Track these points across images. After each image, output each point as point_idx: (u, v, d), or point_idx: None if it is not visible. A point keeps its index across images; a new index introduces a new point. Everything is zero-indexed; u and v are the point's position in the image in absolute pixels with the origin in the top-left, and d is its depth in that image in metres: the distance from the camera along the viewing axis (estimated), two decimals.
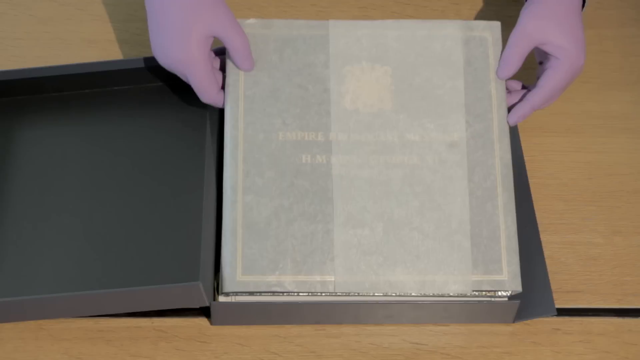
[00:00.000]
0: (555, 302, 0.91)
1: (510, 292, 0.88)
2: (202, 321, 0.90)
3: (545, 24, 0.92)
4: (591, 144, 1.04)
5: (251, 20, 0.95)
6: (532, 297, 0.89)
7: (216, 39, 0.91)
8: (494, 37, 0.96)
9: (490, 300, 0.88)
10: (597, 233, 0.97)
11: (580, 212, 0.98)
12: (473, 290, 0.87)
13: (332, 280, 0.87)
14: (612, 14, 1.16)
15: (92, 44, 1.12)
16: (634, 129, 1.05)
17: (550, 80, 0.92)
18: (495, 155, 0.92)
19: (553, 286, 0.92)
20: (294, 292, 0.87)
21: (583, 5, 0.97)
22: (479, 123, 0.92)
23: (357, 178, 0.90)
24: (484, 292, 0.88)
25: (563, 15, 0.92)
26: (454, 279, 0.87)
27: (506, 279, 0.88)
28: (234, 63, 0.92)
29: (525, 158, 1.02)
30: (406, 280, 0.87)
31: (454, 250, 0.88)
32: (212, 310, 0.87)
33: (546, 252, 0.95)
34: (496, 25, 0.96)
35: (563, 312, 0.91)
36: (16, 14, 1.15)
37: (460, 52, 0.94)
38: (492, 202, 0.90)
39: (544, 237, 0.96)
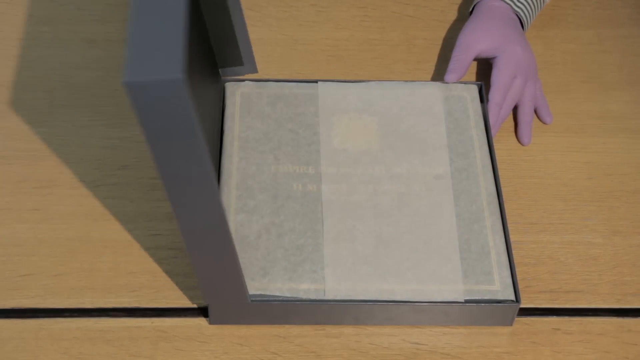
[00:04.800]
0: (555, 302, 0.91)
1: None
2: (201, 321, 0.90)
3: (478, 36, 1.04)
4: (591, 144, 1.04)
5: (246, 82, 1.01)
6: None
7: None
8: (472, 95, 1.02)
9: (489, 304, 0.88)
10: (597, 233, 0.97)
11: (580, 212, 0.98)
12: (466, 299, 0.87)
13: (322, 288, 0.87)
14: (612, 14, 1.16)
15: (92, 44, 1.12)
16: (634, 129, 1.05)
17: (495, 76, 1.02)
18: (480, 186, 0.95)
19: (553, 286, 0.92)
20: (284, 298, 0.87)
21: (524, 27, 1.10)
22: (462, 160, 0.97)
23: (346, 202, 0.93)
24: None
25: (495, 26, 1.04)
26: (446, 288, 0.88)
27: (499, 289, 0.88)
28: None
29: (526, 158, 1.02)
30: (397, 289, 0.87)
31: (443, 263, 0.89)
32: (210, 309, 0.87)
33: (546, 252, 0.95)
34: (473, 87, 1.02)
35: (563, 312, 0.91)
36: (16, 14, 1.15)
37: (440, 105, 1.01)
38: (480, 223, 0.92)
39: (544, 237, 0.96)
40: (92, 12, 1.15)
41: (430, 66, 1.11)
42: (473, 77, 1.09)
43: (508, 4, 1.07)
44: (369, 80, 1.02)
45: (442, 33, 1.14)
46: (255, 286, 0.87)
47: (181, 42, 0.69)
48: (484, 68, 1.09)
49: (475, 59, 1.06)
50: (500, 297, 0.88)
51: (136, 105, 0.68)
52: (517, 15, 1.07)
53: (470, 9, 1.10)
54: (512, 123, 1.05)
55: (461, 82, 1.03)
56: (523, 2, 1.07)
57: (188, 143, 0.71)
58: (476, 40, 1.04)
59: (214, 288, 0.85)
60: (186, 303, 0.91)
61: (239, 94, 1.00)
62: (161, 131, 0.70)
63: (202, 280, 0.84)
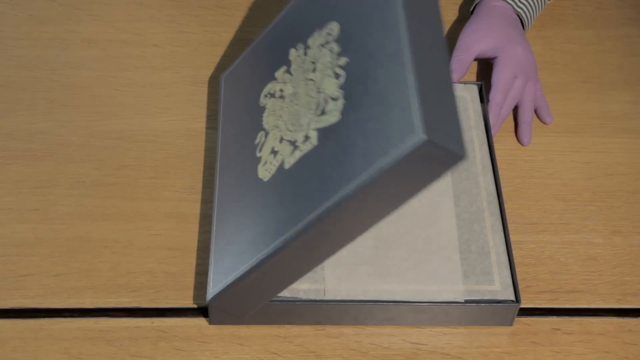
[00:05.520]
0: (555, 302, 0.91)
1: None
2: (201, 321, 0.90)
3: (479, 36, 1.05)
4: (591, 144, 1.04)
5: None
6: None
7: None
8: (472, 95, 1.02)
9: (489, 304, 0.88)
10: (597, 233, 0.97)
11: (580, 212, 0.98)
12: (466, 300, 0.87)
13: (322, 288, 0.87)
14: (612, 14, 1.16)
15: (92, 44, 1.12)
16: (634, 129, 1.05)
17: (495, 76, 1.02)
18: (480, 186, 0.95)
19: (553, 286, 0.92)
20: (284, 298, 0.87)
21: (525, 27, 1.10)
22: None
23: None
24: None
25: (495, 26, 1.04)
26: (445, 288, 0.88)
27: (498, 289, 0.88)
28: None
29: (526, 158, 1.02)
30: (397, 290, 0.87)
31: (443, 263, 0.89)
32: (210, 309, 0.87)
33: (546, 252, 0.95)
34: (474, 87, 1.02)
35: (563, 312, 0.91)
36: (16, 14, 1.15)
37: None
38: (480, 223, 0.92)
39: (544, 237, 0.96)
40: (92, 12, 1.15)
41: None
42: (473, 77, 1.09)
43: (509, 4, 1.07)
44: None
45: None
46: None
47: (458, 116, 0.75)
48: (484, 68, 1.09)
49: (475, 59, 1.06)
50: (500, 297, 0.88)
51: (409, 155, 0.72)
52: (518, 16, 1.07)
53: (472, 9, 1.10)
54: (512, 123, 1.05)
55: (461, 82, 1.03)
56: (524, 3, 1.07)
57: (401, 197, 0.77)
58: (477, 41, 1.04)
59: (240, 299, 0.86)
60: (186, 303, 0.91)
61: None
62: (398, 178, 0.75)
63: (239, 290, 0.84)
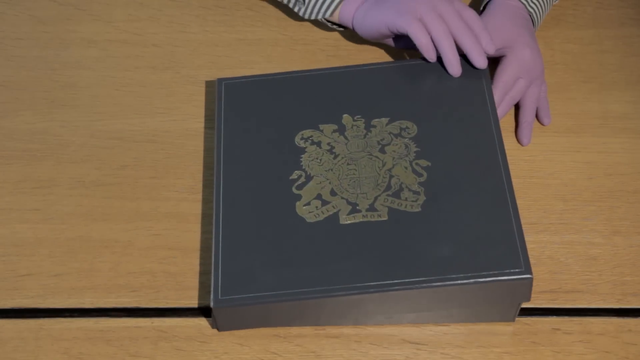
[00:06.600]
0: (555, 302, 0.91)
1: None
2: (201, 321, 0.90)
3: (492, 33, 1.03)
4: (591, 144, 1.04)
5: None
6: None
7: None
8: None
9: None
10: (597, 233, 0.97)
11: (580, 212, 0.98)
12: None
13: None
14: (612, 14, 1.16)
15: (92, 44, 1.12)
16: (634, 129, 1.05)
17: (497, 74, 1.03)
18: None
19: (553, 286, 0.92)
20: None
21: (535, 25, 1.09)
22: None
23: None
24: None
25: (507, 25, 1.04)
26: None
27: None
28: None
29: (526, 158, 1.02)
30: None
31: None
32: (213, 314, 0.87)
33: (546, 252, 0.95)
34: None
35: (563, 312, 0.91)
36: (16, 14, 1.15)
37: None
38: None
39: (544, 237, 0.96)
40: (92, 12, 1.15)
41: None
42: None
43: (522, 3, 1.07)
44: None
45: None
46: None
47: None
48: (489, 64, 1.09)
49: None
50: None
51: (505, 282, 0.83)
52: (529, 15, 1.07)
53: (482, 6, 1.09)
54: (512, 123, 1.05)
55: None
56: (535, 3, 1.07)
57: (458, 304, 0.87)
58: None
59: (244, 315, 0.87)
60: (186, 303, 0.91)
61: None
62: (473, 292, 0.84)
63: (251, 310, 0.86)
